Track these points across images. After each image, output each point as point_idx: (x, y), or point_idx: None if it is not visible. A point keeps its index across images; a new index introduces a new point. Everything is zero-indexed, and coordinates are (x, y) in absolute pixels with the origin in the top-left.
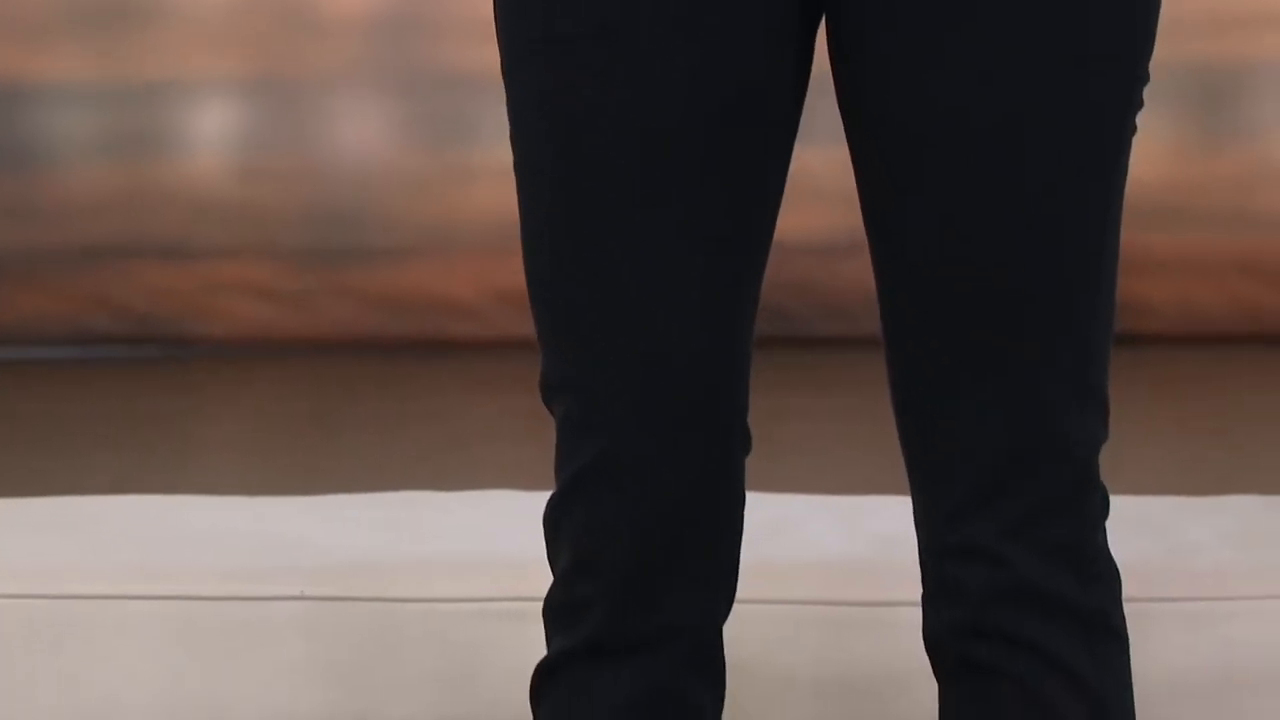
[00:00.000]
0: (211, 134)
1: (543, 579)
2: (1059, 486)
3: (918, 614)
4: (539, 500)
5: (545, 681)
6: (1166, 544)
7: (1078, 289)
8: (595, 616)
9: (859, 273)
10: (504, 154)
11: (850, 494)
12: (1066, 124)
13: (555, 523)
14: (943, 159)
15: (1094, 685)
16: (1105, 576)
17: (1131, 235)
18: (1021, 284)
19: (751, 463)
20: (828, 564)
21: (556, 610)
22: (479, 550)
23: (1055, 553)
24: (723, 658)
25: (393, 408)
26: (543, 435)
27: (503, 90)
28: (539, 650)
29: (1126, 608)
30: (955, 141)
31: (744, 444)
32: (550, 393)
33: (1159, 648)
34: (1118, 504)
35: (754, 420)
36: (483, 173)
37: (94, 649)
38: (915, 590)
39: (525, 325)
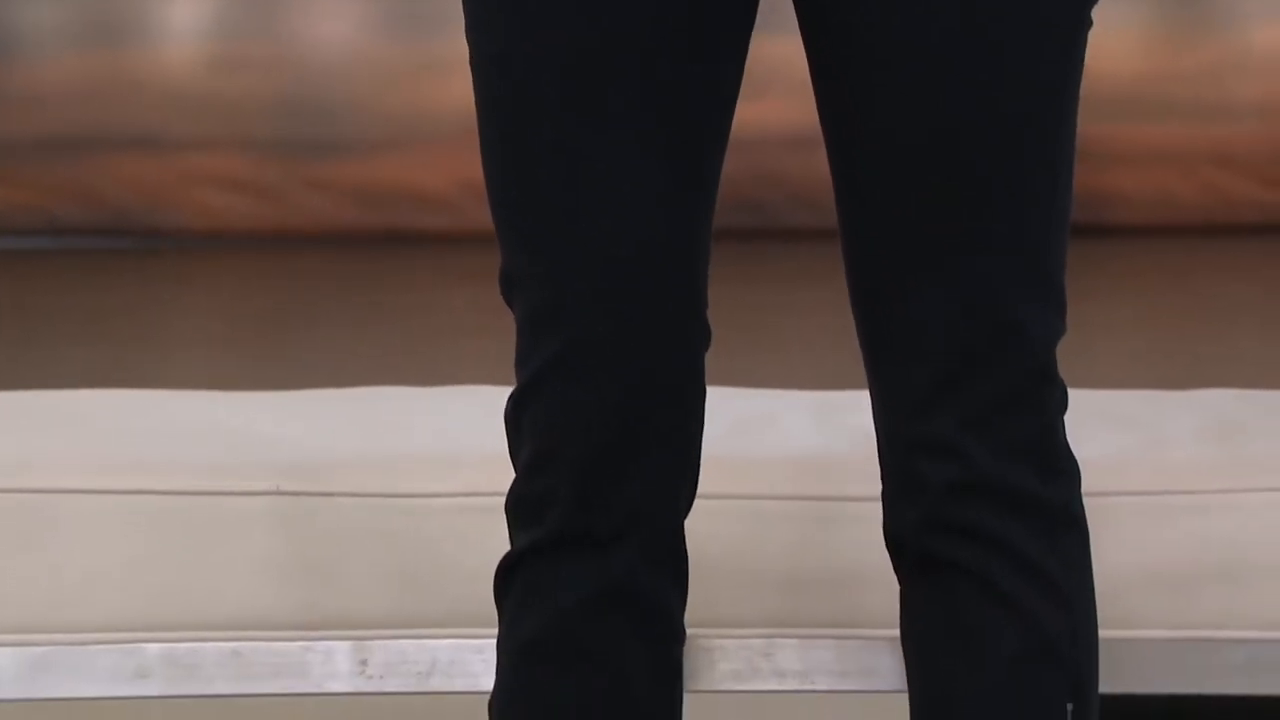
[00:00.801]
0: (184, 24)
1: (509, 470)
2: (1017, 379)
3: None
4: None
5: (507, 578)
6: (1138, 437)
7: (1033, 178)
8: (555, 511)
9: None
10: None
11: (825, 389)
12: (1023, 8)
13: (516, 419)
14: (898, 47)
15: (1058, 580)
16: (1067, 471)
17: (1105, 126)
18: (976, 172)
19: (725, 357)
20: (802, 459)
21: (518, 505)
22: (451, 445)
23: (1016, 447)
24: (685, 553)
25: (365, 301)
26: (514, 330)
27: None
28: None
29: (1098, 501)
30: (912, 29)
31: (704, 338)
32: (510, 288)
33: (1131, 541)
34: (1090, 397)
35: (725, 314)
36: (456, 65)
37: (66, 544)
38: None
39: None
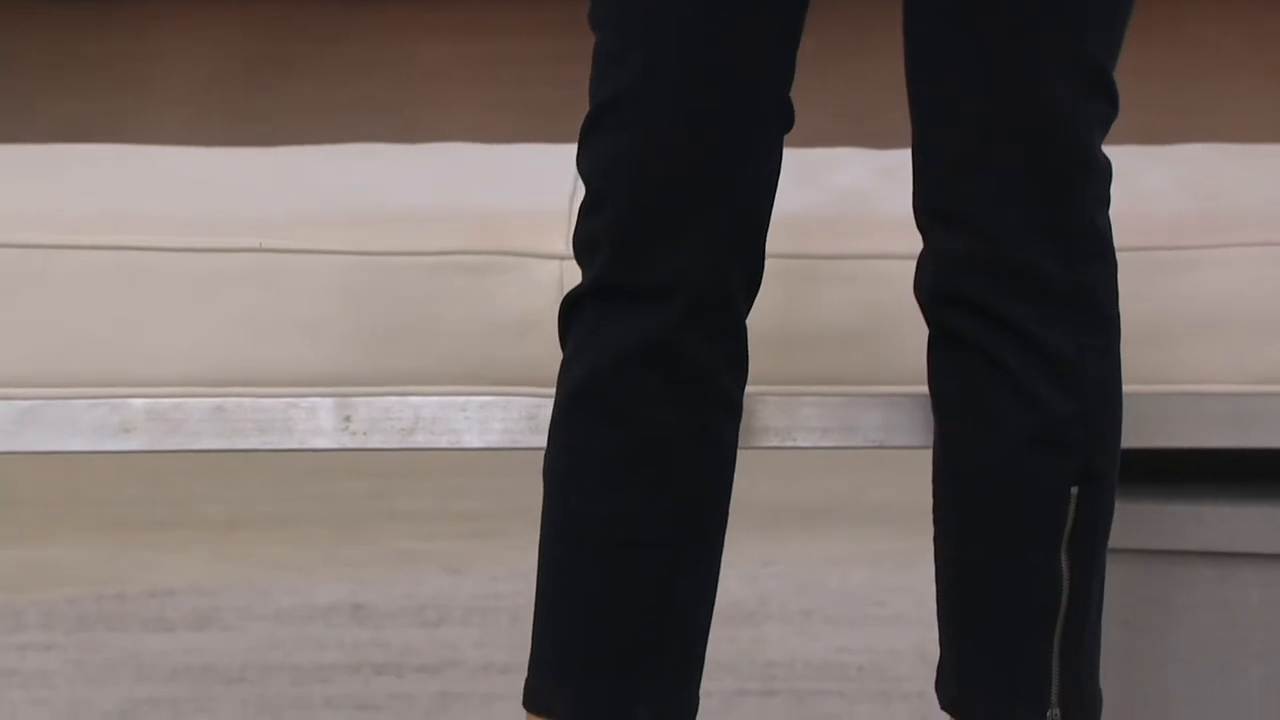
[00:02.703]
0: None
1: (500, 233)
2: (1046, 158)
3: (881, 267)
4: (499, 153)
5: (568, 317)
6: (1122, 193)
7: None
8: (603, 257)
9: None
10: None
11: (807, 146)
12: None
13: (579, 156)
14: None
15: (1071, 364)
16: (1097, 257)
17: None
18: None
19: None
20: (790, 217)
21: (578, 246)
22: (437, 203)
23: (1038, 228)
24: (744, 337)
25: (353, 54)
26: (506, 84)
27: None
28: (497, 305)
29: None
30: None
31: (781, 111)
32: (594, 23)
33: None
34: None
35: None
36: None
37: (50, 299)
38: (878, 244)
39: None
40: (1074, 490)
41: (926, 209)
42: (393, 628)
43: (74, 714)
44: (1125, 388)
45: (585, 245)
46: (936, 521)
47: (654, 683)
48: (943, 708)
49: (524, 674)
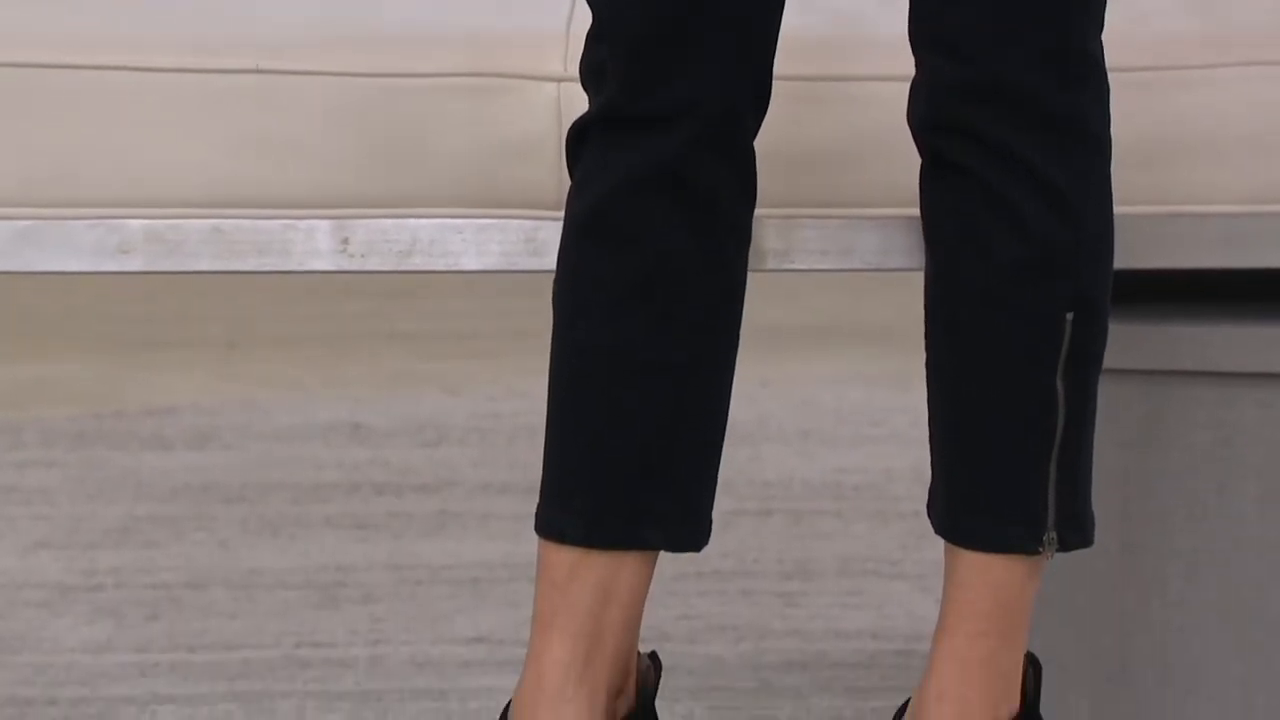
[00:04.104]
0: None
1: (497, 55)
2: None
3: (880, 89)
4: None
5: (576, 145)
6: (1122, 11)
7: None
8: (610, 84)
9: None
10: None
11: None
12: None
13: None
14: None
15: (1065, 191)
16: (1090, 82)
17: None
18: None
19: None
20: (789, 39)
21: (584, 73)
22: (433, 23)
23: (1034, 53)
24: (753, 163)
25: None
26: None
27: None
28: (494, 127)
29: None
30: None
31: None
32: None
33: (1114, 114)
34: None
35: None
36: None
37: (47, 118)
38: (877, 66)
39: None
40: (1068, 316)
41: (920, 35)
42: (391, 447)
43: (74, 530)
44: (1122, 210)
45: (591, 72)
46: (928, 349)
47: (665, 506)
48: (936, 532)
49: (521, 494)
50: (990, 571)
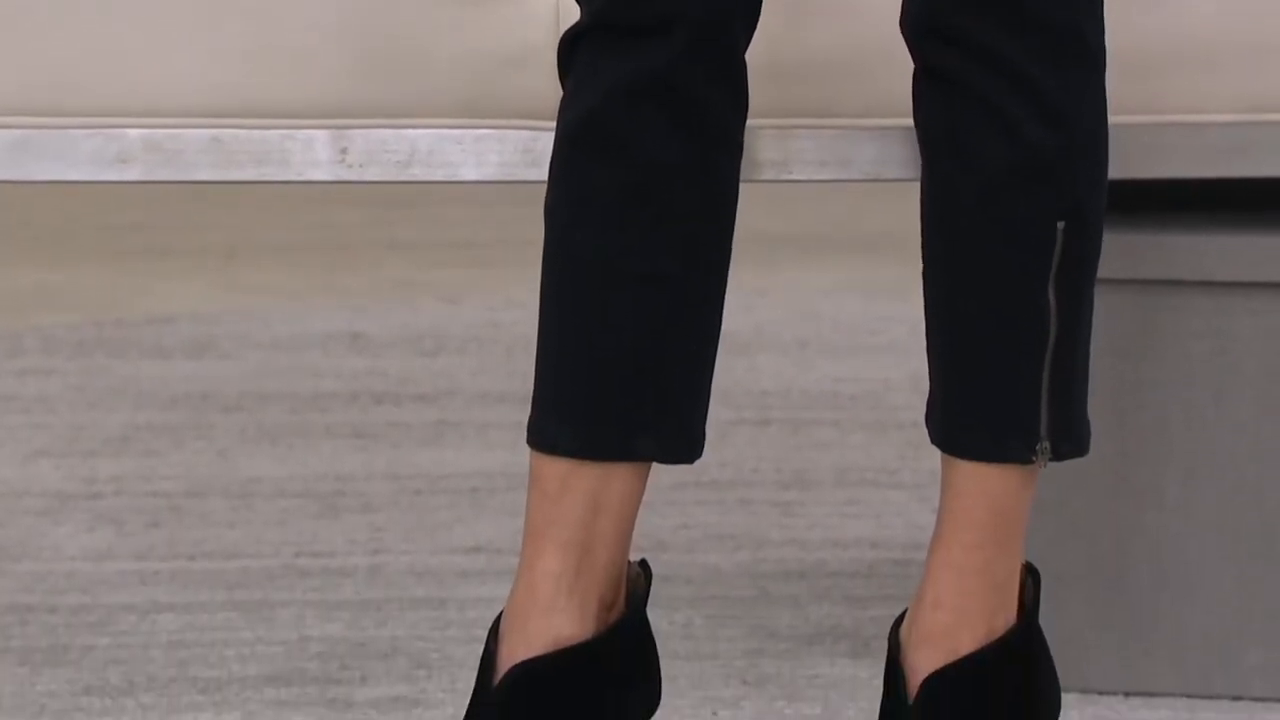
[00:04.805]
0: None
1: None
2: None
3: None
4: None
5: (568, 55)
6: None
7: None
8: None
9: None
10: None
11: None
12: None
13: None
14: None
15: (1056, 100)
16: None
17: None
18: None
19: None
20: None
21: None
22: None
23: None
24: (744, 75)
25: None
26: None
27: None
28: (492, 37)
29: None
30: None
31: None
32: None
33: (1107, 27)
34: None
35: None
36: None
37: (44, 28)
38: None
39: None
40: (1060, 225)
41: None
42: (390, 356)
43: (75, 439)
44: (1117, 119)
45: None
46: (924, 260)
47: (658, 416)
48: (933, 442)
49: (520, 403)
50: (986, 481)
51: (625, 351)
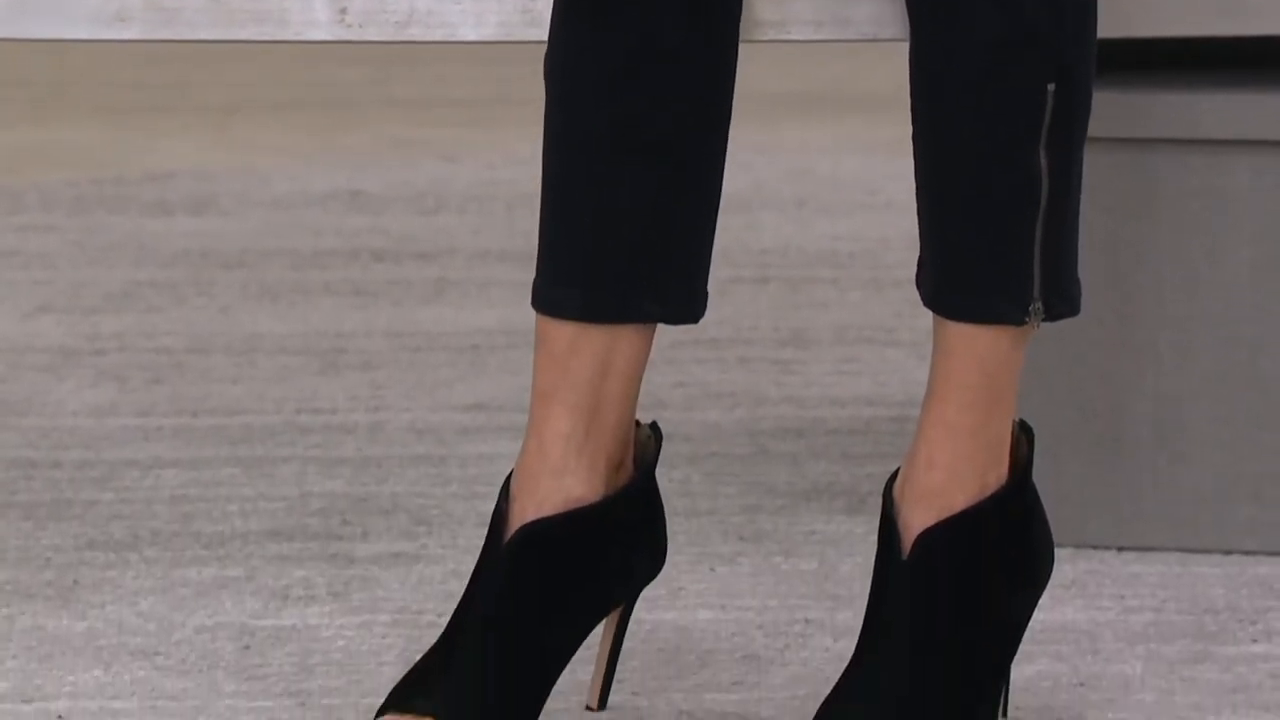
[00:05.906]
0: None
1: None
2: None
3: None
4: None
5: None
6: None
7: None
8: None
9: None
10: None
11: None
12: None
13: None
14: None
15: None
16: None
17: None
18: None
19: None
20: None
21: None
22: None
23: None
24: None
25: None
26: None
27: None
28: None
29: None
30: None
31: None
32: None
33: None
34: None
35: None
36: None
37: None
38: None
39: None
40: (1050, 88)
41: None
42: (390, 214)
43: (76, 295)
44: None
45: None
46: (914, 124)
47: (661, 278)
48: (925, 304)
49: (520, 261)
50: (977, 342)
51: (629, 215)
